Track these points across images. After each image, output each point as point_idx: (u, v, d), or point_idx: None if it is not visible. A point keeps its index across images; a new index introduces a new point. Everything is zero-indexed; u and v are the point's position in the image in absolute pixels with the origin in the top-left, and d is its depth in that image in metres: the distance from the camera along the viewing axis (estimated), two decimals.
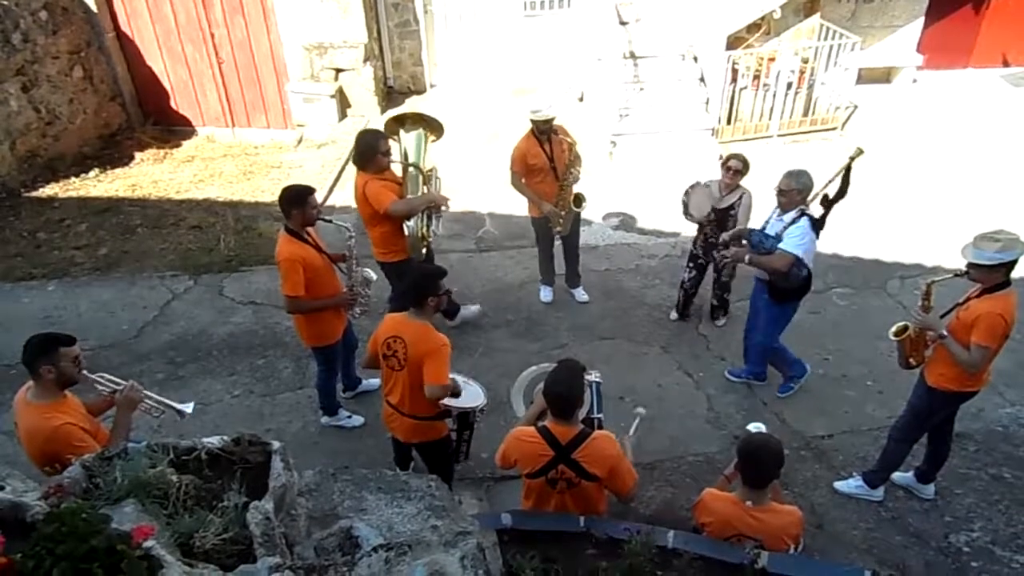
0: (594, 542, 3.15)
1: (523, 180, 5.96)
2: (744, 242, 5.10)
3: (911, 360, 4.32)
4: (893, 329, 4.26)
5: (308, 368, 5.72)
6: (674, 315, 6.37)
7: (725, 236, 5.56)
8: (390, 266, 5.44)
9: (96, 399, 3.65)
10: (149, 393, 3.65)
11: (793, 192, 4.79)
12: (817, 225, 4.82)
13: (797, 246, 4.74)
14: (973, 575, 4.24)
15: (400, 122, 5.33)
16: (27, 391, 3.37)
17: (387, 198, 5.04)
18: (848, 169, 4.72)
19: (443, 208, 5.36)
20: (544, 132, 5.71)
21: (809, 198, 4.81)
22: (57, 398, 3.35)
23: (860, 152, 4.69)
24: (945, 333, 4.02)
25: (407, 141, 5.25)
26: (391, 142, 5.19)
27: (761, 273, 5.09)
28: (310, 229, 4.58)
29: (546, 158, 5.79)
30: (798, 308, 5.23)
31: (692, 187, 5.73)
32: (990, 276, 3.84)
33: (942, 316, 4.12)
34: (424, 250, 5.43)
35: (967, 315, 3.93)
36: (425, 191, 5.26)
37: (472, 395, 4.22)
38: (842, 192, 4.77)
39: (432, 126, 5.32)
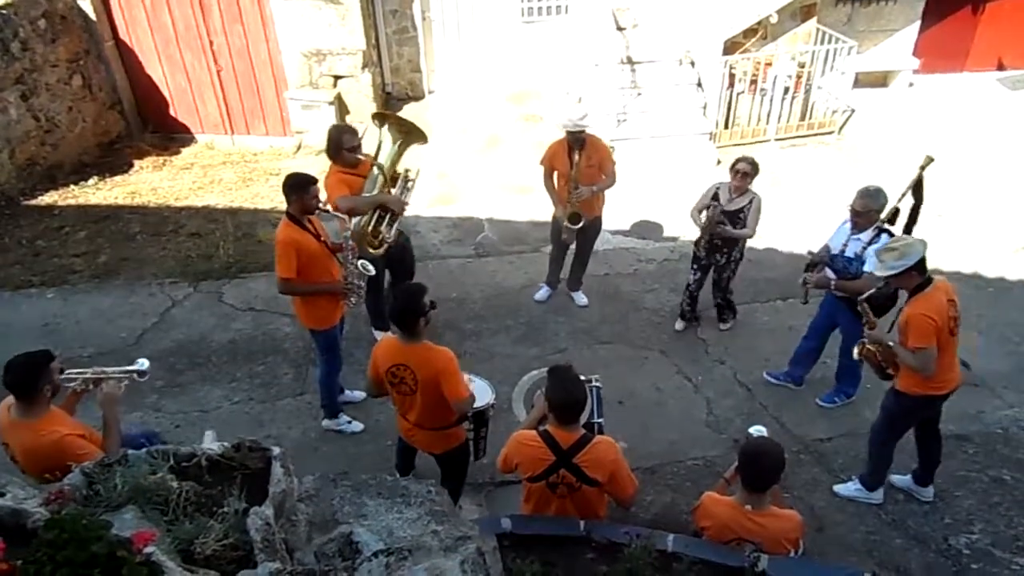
0: (594, 546, 3.16)
1: (552, 179, 6.05)
2: (819, 267, 4.99)
3: (889, 371, 4.40)
4: (855, 351, 4.45)
5: (308, 374, 5.73)
6: (680, 325, 6.28)
7: (725, 230, 5.56)
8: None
9: (65, 400, 3.62)
10: (108, 371, 3.68)
11: (872, 212, 4.75)
12: None
13: None
14: None
15: (383, 119, 5.47)
16: (8, 410, 3.32)
17: (338, 191, 5.19)
18: (920, 179, 4.65)
19: (398, 213, 5.37)
20: (575, 141, 5.74)
21: (883, 214, 4.76)
22: (47, 412, 3.32)
23: (930, 160, 4.61)
24: (892, 343, 4.16)
25: (384, 141, 5.38)
26: (383, 134, 5.37)
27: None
28: (312, 217, 4.68)
29: (570, 166, 5.82)
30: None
31: (707, 208, 5.68)
32: (905, 282, 4.01)
33: (889, 330, 4.26)
34: (379, 249, 5.34)
35: (901, 322, 4.06)
36: (383, 192, 5.31)
37: (481, 391, 4.21)
38: (918, 202, 4.71)
39: (414, 135, 5.42)
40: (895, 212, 4.75)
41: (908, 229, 4.77)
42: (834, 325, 5.26)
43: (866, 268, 4.73)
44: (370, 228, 5.31)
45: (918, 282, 3.97)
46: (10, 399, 3.33)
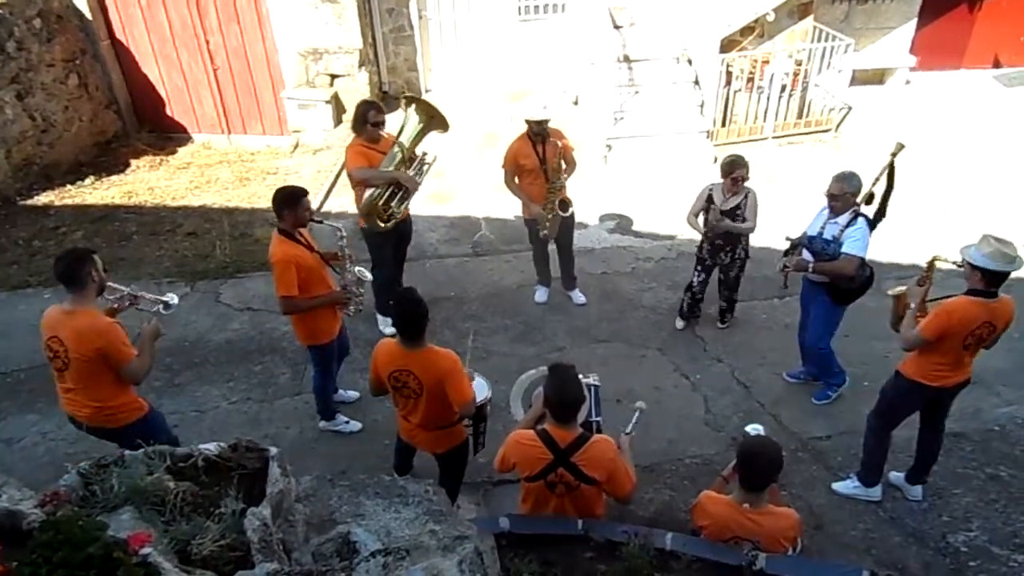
0: (592, 545, 3.15)
1: (515, 180, 6.04)
2: (798, 250, 5.05)
3: (898, 327, 4.44)
4: (895, 289, 4.47)
5: (305, 374, 5.71)
6: (680, 324, 6.27)
7: (728, 224, 5.54)
8: (362, 229, 5.76)
9: (104, 313, 3.90)
10: (144, 294, 4.15)
11: (847, 195, 4.79)
12: (871, 224, 4.84)
13: (861, 248, 4.76)
14: (971, 574, 4.25)
15: (411, 101, 5.56)
16: (59, 307, 3.73)
17: (356, 162, 5.43)
18: (892, 166, 4.72)
19: (411, 191, 5.53)
20: (538, 134, 5.76)
21: (859, 198, 4.82)
22: (95, 305, 3.73)
23: (901, 147, 4.68)
24: (912, 305, 4.21)
25: (409, 121, 5.48)
26: (409, 114, 5.46)
27: (815, 275, 5.05)
28: (303, 230, 4.63)
29: (537, 160, 5.83)
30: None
31: (703, 211, 5.69)
32: (970, 275, 3.95)
33: (931, 300, 4.23)
34: (385, 224, 5.53)
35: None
36: (400, 170, 5.44)
37: (478, 387, 4.21)
38: (889, 188, 4.76)
39: (437, 121, 5.51)
40: (870, 196, 4.82)
41: (880, 213, 4.83)
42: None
43: (844, 249, 4.77)
44: (381, 202, 5.47)
45: (977, 286, 3.92)
46: (58, 305, 3.74)
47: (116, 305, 4.02)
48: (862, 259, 4.80)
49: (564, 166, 5.96)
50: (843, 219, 4.83)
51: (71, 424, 4.03)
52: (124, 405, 3.87)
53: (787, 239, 5.16)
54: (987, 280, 3.88)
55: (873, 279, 5.04)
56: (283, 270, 4.43)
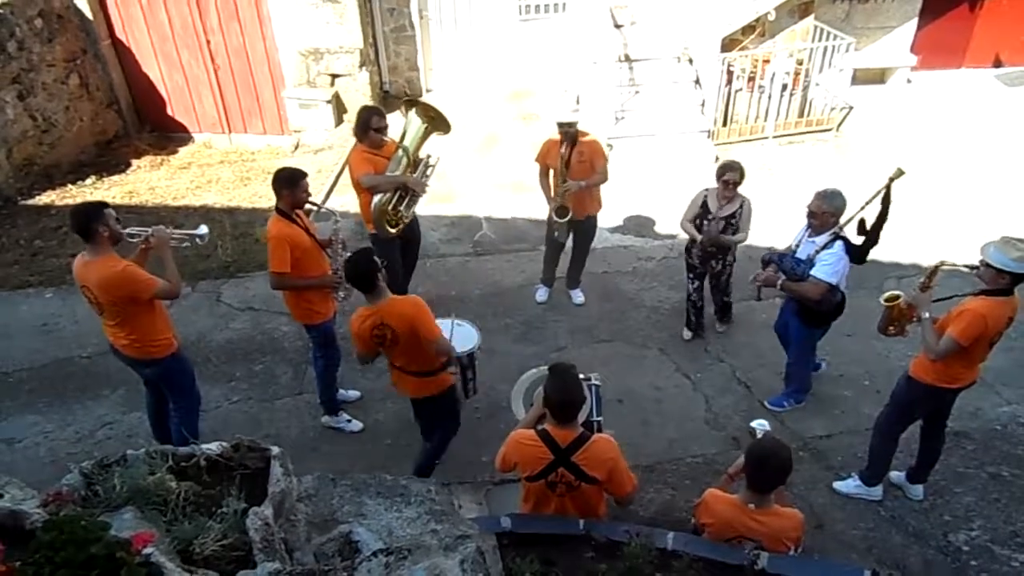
0: (593, 544, 3.15)
1: (548, 176, 6.06)
2: (772, 265, 4.90)
3: (890, 329, 4.40)
4: (886, 295, 4.34)
5: (306, 373, 5.72)
6: (687, 335, 6.18)
7: (724, 238, 5.53)
8: (371, 234, 5.78)
9: (134, 257, 4.21)
10: (172, 231, 4.36)
11: (826, 215, 4.60)
12: (853, 250, 4.63)
13: (831, 274, 4.58)
14: (973, 574, 4.25)
15: (411, 104, 5.58)
16: (82, 256, 4.05)
17: (362, 169, 5.41)
18: (888, 191, 4.48)
19: (418, 194, 5.60)
20: (567, 134, 5.76)
21: (843, 220, 4.63)
22: (111, 252, 4.01)
23: (900, 173, 4.44)
24: (925, 316, 4.09)
25: (411, 124, 5.49)
26: (410, 118, 5.50)
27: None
28: (300, 212, 4.76)
29: (562, 162, 5.82)
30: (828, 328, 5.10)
31: (697, 218, 5.64)
32: (995, 279, 3.88)
33: (935, 301, 4.17)
34: (394, 229, 5.58)
35: (958, 308, 3.99)
36: (407, 174, 5.47)
37: (466, 336, 4.67)
38: (883, 215, 4.55)
39: (439, 122, 5.54)
40: (862, 223, 4.60)
41: (872, 240, 4.62)
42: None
43: (812, 272, 4.62)
44: (390, 207, 5.50)
45: (1003, 287, 3.88)
46: (83, 254, 4.05)
47: (144, 245, 4.26)
48: (831, 285, 4.61)
49: (594, 170, 5.93)
50: (821, 239, 4.66)
51: (112, 354, 4.44)
52: (157, 340, 4.29)
53: (769, 251, 5.05)
54: (1015, 282, 3.87)
55: (844, 306, 4.86)
56: (276, 246, 4.60)
